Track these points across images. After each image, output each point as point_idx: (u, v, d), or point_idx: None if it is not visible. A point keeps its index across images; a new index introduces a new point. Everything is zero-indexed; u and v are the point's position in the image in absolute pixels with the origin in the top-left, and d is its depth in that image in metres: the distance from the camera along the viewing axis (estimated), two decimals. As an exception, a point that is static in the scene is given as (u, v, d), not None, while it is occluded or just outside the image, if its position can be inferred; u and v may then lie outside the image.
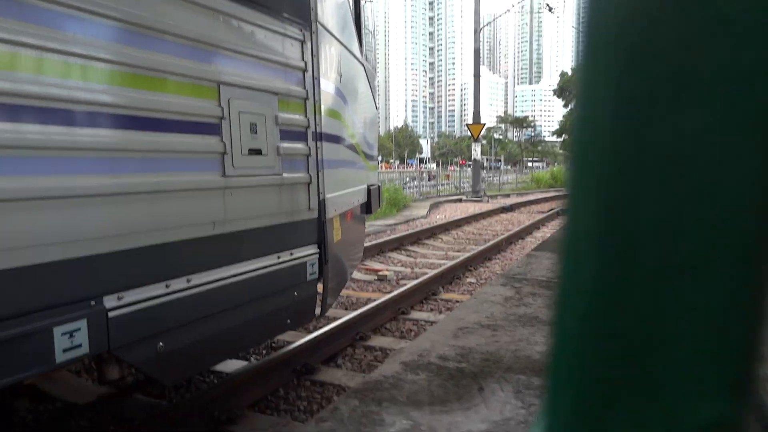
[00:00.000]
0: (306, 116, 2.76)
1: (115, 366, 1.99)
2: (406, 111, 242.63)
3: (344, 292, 5.94)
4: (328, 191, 3.02)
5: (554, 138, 70.91)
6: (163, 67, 2.00)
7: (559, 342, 0.42)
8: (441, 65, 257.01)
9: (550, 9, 22.63)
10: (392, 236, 9.76)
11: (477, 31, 20.17)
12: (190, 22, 2.12)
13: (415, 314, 5.20)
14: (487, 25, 21.81)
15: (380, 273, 6.90)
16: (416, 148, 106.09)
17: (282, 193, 2.60)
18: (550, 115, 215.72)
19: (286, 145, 2.61)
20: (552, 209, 15.85)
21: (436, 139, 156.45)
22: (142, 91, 1.91)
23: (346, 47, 3.54)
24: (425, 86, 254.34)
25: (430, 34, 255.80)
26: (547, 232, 11.36)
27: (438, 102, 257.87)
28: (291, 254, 2.69)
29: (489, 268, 7.52)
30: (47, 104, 1.60)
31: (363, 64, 4.22)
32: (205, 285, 2.19)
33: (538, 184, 30.36)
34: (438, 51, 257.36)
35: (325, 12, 3.06)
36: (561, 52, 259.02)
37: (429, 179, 27.61)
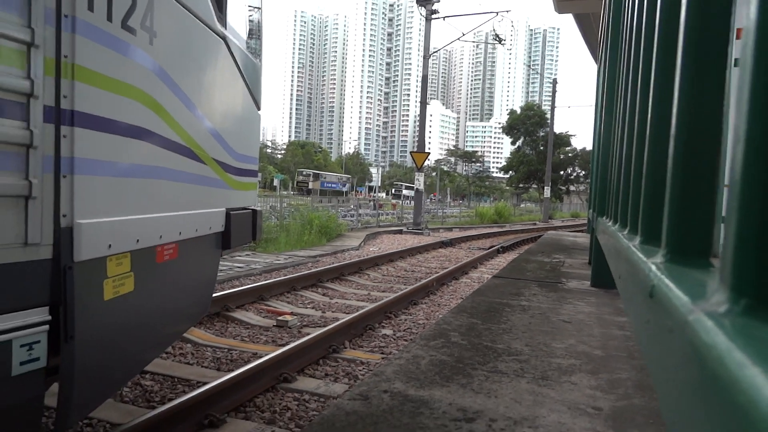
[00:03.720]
0: (28, 75, 1.58)
1: None
2: (359, 138, 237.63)
3: (225, 341, 4.87)
4: (92, 212, 1.82)
5: (501, 174, 71.52)
6: None
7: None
8: (396, 95, 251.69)
9: (500, 40, 22.11)
10: (311, 270, 8.63)
11: (426, 57, 19.78)
12: None
13: (302, 383, 4.02)
14: (435, 52, 21.20)
15: (281, 318, 5.66)
16: (367, 175, 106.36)
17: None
18: (498, 151, 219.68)
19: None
20: (493, 246, 15.11)
21: (387, 168, 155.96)
22: None
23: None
24: (380, 115, 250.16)
25: (388, 64, 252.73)
26: (485, 272, 10.45)
27: (391, 131, 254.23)
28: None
29: (412, 316, 6.42)
30: None
31: (225, 39, 3.05)
32: None
33: (482, 218, 29.62)
34: (394, 81, 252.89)
35: None
36: (512, 91, 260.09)
37: (375, 208, 26.48)
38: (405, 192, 66.92)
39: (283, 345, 4.72)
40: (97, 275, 1.90)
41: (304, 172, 64.61)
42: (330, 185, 62.35)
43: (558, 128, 56.13)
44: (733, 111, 0.42)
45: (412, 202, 25.07)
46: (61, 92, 1.71)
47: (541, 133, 52.43)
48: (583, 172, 52.72)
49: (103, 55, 1.88)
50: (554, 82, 36.02)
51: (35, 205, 1.64)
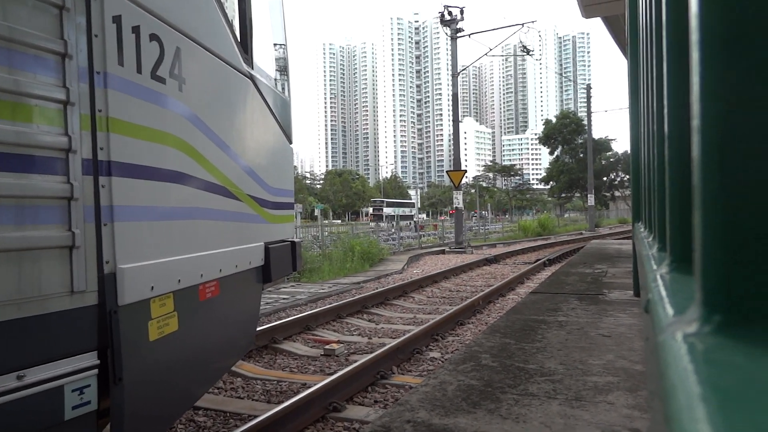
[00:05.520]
0: (66, 132, 1.67)
1: None
2: (396, 162, 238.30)
3: (275, 373, 4.91)
4: (133, 257, 1.89)
5: (541, 185, 70.51)
6: None
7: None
8: (429, 116, 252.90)
9: (528, 51, 21.75)
10: (355, 297, 8.59)
11: (455, 76, 19.77)
12: None
13: (352, 411, 4.00)
14: (464, 69, 21.00)
15: (328, 347, 5.69)
16: (405, 198, 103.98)
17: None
18: (537, 163, 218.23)
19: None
20: (539, 259, 14.75)
21: (425, 189, 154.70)
22: None
23: (196, 41, 2.42)
24: (414, 137, 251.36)
25: (418, 86, 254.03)
26: (531, 286, 9.97)
27: (427, 152, 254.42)
28: (19, 379, 1.53)
29: (459, 337, 6.31)
30: None
31: (252, 78, 3.13)
32: None
33: (525, 232, 29.08)
34: (426, 103, 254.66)
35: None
36: (546, 100, 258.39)
37: (416, 230, 26.55)
38: (387, 210, 60.22)
39: (331, 374, 4.71)
40: (142, 317, 1.96)
41: None
42: None
43: (597, 134, 55.24)
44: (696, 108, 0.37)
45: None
46: (98, 145, 1.79)
47: (580, 141, 51.60)
48: (627, 177, 51.42)
49: (136, 106, 1.97)
50: (588, 87, 35.51)
51: (79, 254, 1.71)
